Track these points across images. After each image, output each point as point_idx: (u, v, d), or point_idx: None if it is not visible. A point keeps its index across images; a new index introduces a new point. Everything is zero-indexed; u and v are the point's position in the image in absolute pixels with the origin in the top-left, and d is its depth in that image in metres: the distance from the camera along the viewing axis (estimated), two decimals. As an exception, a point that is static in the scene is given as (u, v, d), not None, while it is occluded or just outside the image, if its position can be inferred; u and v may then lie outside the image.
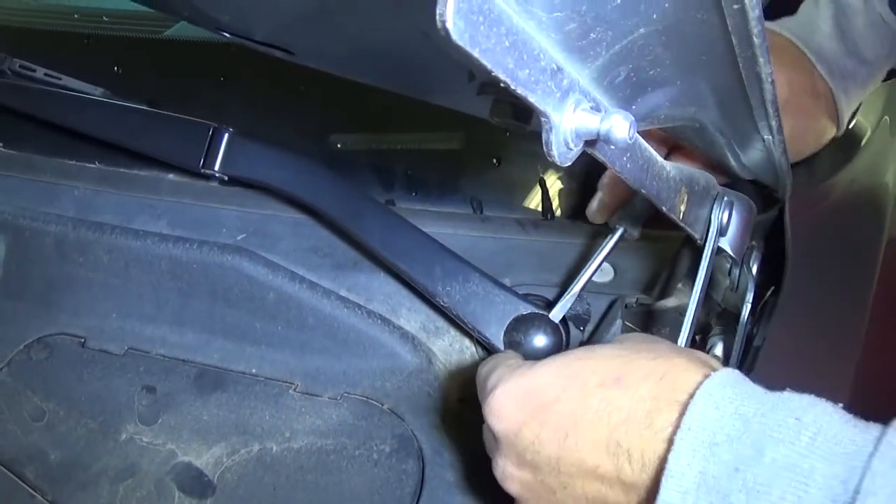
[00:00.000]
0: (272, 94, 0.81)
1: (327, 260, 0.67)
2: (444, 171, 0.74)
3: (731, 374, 0.36)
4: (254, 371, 0.67)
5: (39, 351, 0.72)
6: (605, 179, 0.61)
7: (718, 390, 0.35)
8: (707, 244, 0.50)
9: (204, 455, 0.65)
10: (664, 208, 0.44)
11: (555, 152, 0.30)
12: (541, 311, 0.57)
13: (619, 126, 0.29)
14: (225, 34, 0.57)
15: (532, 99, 0.28)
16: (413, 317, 0.65)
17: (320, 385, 0.65)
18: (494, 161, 0.73)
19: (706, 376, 0.36)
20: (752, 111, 0.41)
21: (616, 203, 0.61)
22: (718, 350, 0.55)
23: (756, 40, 0.32)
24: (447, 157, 0.75)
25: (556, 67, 0.29)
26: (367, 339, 0.65)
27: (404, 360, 0.64)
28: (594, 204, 0.62)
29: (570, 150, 0.30)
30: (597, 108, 0.31)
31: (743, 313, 0.54)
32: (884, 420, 0.32)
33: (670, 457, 0.33)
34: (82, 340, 0.71)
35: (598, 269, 0.56)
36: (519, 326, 0.57)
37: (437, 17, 0.22)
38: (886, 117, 0.69)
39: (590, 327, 0.62)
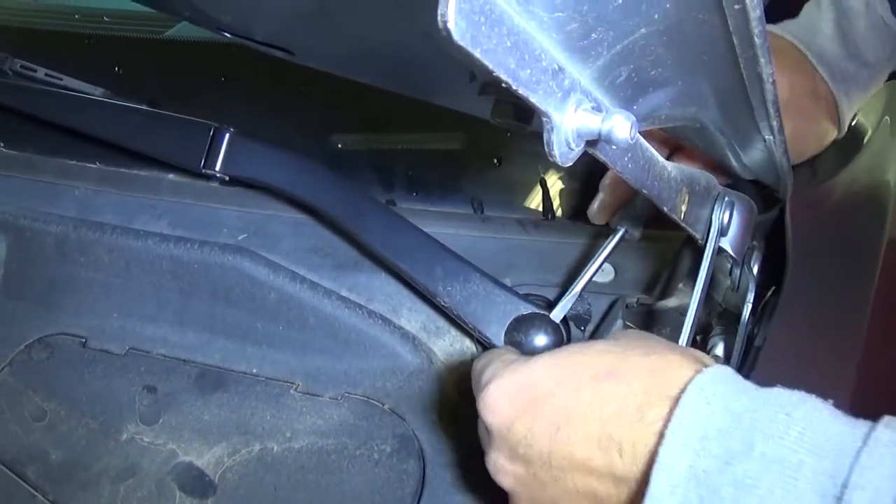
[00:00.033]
0: (273, 95, 0.82)
1: (328, 260, 0.67)
2: (444, 171, 0.74)
3: (723, 371, 0.37)
4: (255, 371, 0.67)
5: (40, 351, 0.72)
6: (606, 180, 0.61)
7: (710, 386, 0.35)
8: (708, 244, 0.50)
9: (205, 455, 0.65)
10: (665, 208, 0.44)
11: (556, 152, 0.30)
12: (542, 311, 0.57)
13: (621, 126, 0.29)
14: (226, 34, 0.57)
15: (533, 99, 0.28)
16: (414, 317, 0.65)
17: (321, 385, 0.65)
18: (495, 161, 0.73)
19: (698, 372, 0.36)
20: (753, 111, 0.41)
21: (617, 203, 0.61)
22: (719, 350, 0.55)
23: (757, 40, 0.32)
24: (448, 158, 0.75)
25: (557, 67, 0.29)
26: (368, 340, 0.65)
27: (405, 360, 0.64)
28: (595, 204, 0.62)
29: (572, 150, 0.31)
30: (598, 109, 0.31)
31: (744, 313, 0.54)
32: (885, 420, 0.32)
33: (661, 450, 0.33)
34: (83, 340, 0.71)
35: (599, 269, 0.56)
36: (520, 326, 0.57)
37: (439, 18, 0.22)
38: (887, 117, 0.69)
39: (590, 327, 0.62)
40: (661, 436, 0.34)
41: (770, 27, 0.60)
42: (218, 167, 0.66)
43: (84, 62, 0.89)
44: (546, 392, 0.40)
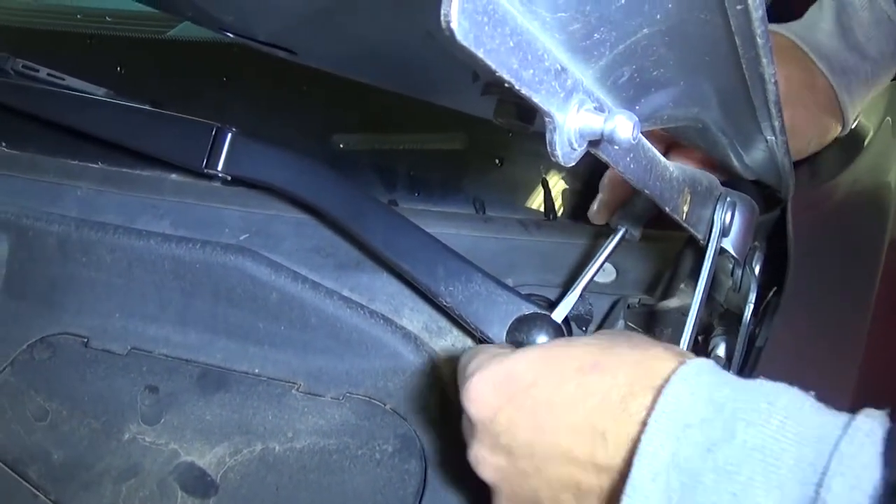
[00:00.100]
0: (275, 95, 0.82)
1: (330, 260, 0.68)
2: (446, 171, 0.74)
3: (707, 363, 0.37)
4: (257, 371, 0.67)
5: (42, 351, 0.72)
6: (605, 180, 0.61)
7: (694, 377, 0.35)
8: (710, 245, 0.50)
9: (207, 455, 0.65)
10: (667, 209, 0.44)
11: (559, 152, 0.30)
12: (543, 312, 0.57)
13: (623, 126, 0.29)
14: (228, 34, 0.57)
15: (536, 99, 0.28)
16: (415, 317, 0.65)
17: (323, 385, 0.65)
18: (497, 161, 0.73)
19: (682, 364, 0.37)
20: (755, 112, 0.41)
21: (616, 203, 0.61)
22: (721, 350, 0.55)
23: (759, 41, 0.32)
24: (450, 158, 0.75)
25: (560, 67, 0.29)
26: (370, 340, 0.65)
27: (407, 360, 0.64)
28: (595, 205, 0.62)
29: (574, 150, 0.31)
30: (600, 109, 0.31)
31: (745, 314, 0.54)
32: (887, 420, 0.32)
33: (643, 438, 0.34)
34: (85, 340, 0.71)
35: (600, 270, 0.56)
36: (521, 326, 0.57)
37: (442, 18, 0.23)
38: (889, 118, 0.69)
39: (592, 327, 0.62)
40: (644, 424, 0.34)
41: (771, 26, 0.60)
42: (220, 167, 0.66)
43: (86, 62, 0.89)
44: (530, 383, 0.40)
